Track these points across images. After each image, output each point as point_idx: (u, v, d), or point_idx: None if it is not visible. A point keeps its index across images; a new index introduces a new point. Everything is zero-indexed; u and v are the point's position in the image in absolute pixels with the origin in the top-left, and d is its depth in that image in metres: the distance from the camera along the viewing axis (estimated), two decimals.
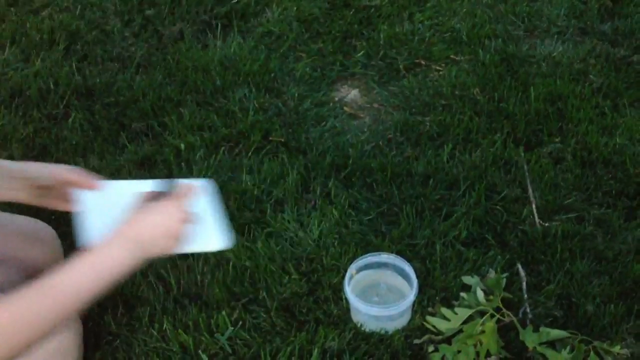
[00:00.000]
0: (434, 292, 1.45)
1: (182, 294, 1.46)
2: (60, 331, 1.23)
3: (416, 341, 1.36)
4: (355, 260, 1.44)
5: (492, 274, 1.43)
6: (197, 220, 1.05)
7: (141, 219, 1.03)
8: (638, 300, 1.43)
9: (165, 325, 1.38)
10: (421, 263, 1.50)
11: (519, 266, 1.49)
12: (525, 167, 1.73)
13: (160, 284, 1.47)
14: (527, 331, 1.31)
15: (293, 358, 1.32)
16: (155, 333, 1.37)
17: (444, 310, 1.36)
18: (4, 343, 0.93)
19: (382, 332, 1.38)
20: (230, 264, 1.49)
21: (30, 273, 1.35)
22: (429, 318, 1.37)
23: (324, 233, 1.57)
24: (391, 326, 1.39)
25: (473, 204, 1.64)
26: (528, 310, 1.40)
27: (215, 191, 1.13)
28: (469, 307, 1.35)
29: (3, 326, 0.92)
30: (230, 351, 1.35)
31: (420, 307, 1.42)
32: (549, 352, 1.28)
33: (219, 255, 1.50)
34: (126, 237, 1.01)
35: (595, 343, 1.30)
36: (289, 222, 1.60)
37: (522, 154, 1.77)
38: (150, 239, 1.02)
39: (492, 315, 1.34)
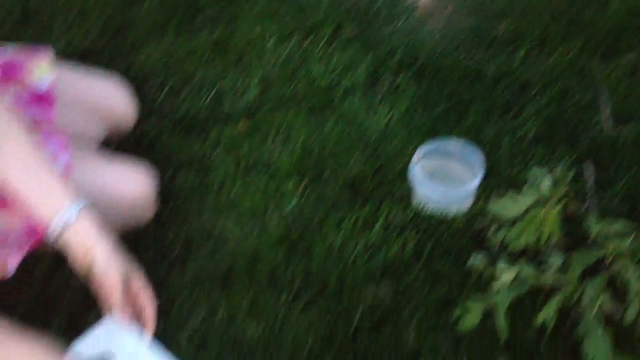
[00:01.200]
0: (498, 183, 1.47)
1: (251, 165, 1.51)
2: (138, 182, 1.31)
3: (477, 225, 1.40)
4: (423, 145, 1.48)
5: (559, 168, 1.45)
6: None
7: None
8: None
9: (234, 191, 1.45)
10: (487, 156, 1.52)
11: (587, 163, 1.50)
12: (600, 75, 1.73)
13: (231, 155, 1.53)
14: (590, 220, 1.33)
15: (357, 225, 1.37)
16: (224, 197, 1.44)
17: (508, 197, 1.39)
18: None
19: (444, 214, 1.42)
20: (299, 142, 1.54)
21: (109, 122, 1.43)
22: (492, 203, 1.40)
23: (391, 122, 1.60)
24: (453, 209, 1.43)
25: (544, 106, 1.65)
26: (593, 203, 1.42)
27: None
28: (533, 196, 1.38)
29: None
30: (298, 214, 1.40)
31: (484, 194, 1.45)
32: (611, 241, 1.30)
33: (287, 132, 1.56)
34: None
35: None
36: (357, 110, 1.64)
37: (598, 63, 1.76)
38: None
39: (556, 204, 1.36)
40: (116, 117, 1.43)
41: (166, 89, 1.68)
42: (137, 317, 1.13)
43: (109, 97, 1.41)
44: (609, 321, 1.21)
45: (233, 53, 1.81)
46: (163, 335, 1.16)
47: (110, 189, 1.27)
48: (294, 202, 1.43)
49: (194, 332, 1.21)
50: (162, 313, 1.16)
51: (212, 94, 1.67)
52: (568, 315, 1.24)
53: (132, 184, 1.31)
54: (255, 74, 1.72)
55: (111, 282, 1.09)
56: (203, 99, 1.65)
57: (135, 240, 1.31)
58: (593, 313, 1.21)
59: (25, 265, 1.24)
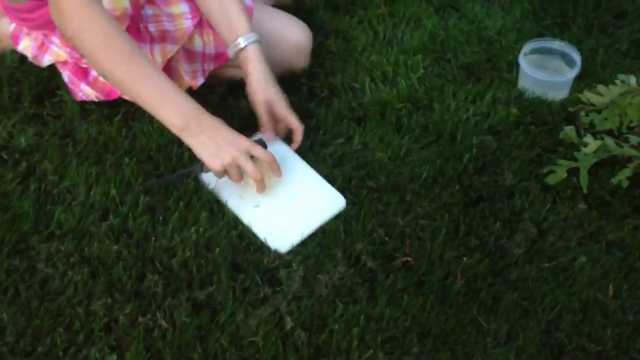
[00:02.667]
0: (591, 82, 1.73)
1: (387, 40, 1.81)
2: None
3: (571, 109, 1.66)
4: (531, 41, 1.74)
5: None
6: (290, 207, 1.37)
7: (219, 125, 1.30)
8: None
9: (372, 57, 1.74)
10: (584, 61, 1.77)
11: None
12: None
13: (371, 30, 1.83)
14: None
15: (469, 96, 1.66)
16: (364, 61, 1.74)
17: (600, 88, 1.65)
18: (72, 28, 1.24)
19: (544, 97, 1.68)
20: (427, 29, 1.83)
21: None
22: (585, 92, 1.66)
23: (506, 24, 1.87)
24: (551, 95, 1.69)
25: (637, 30, 1.89)
26: None
27: (336, 212, 1.39)
28: (621, 88, 1.63)
29: (86, 28, 1.23)
30: (422, 82, 1.69)
31: (578, 88, 1.71)
32: None
33: (418, 21, 1.85)
34: (195, 118, 1.28)
35: None
36: (477, 11, 1.90)
37: None
38: (203, 136, 1.28)
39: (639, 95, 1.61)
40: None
41: None
42: (285, 136, 1.46)
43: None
44: None
45: None
46: (308, 152, 1.48)
47: (279, 32, 1.58)
48: (419, 72, 1.71)
49: (333, 152, 1.52)
50: (309, 134, 1.48)
51: None
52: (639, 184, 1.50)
53: (295, 31, 1.62)
54: None
55: (257, 102, 1.42)
56: None
57: (290, 81, 1.62)
58: None
59: (209, 84, 1.57)
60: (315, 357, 1.21)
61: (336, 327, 1.25)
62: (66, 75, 1.53)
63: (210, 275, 1.30)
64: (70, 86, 1.53)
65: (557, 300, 1.31)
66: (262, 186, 1.36)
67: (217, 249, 1.32)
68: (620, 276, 1.35)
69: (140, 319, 1.23)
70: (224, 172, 1.33)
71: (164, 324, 1.23)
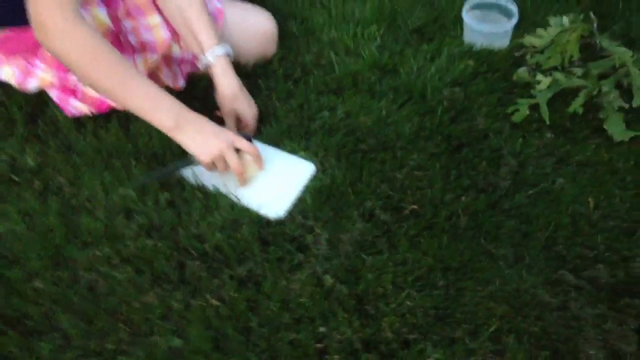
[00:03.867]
0: (527, 27, 1.91)
1: (341, 16, 1.93)
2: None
3: (516, 53, 1.84)
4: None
5: (571, 15, 1.89)
6: (271, 182, 1.48)
7: (205, 121, 1.39)
8: None
9: (331, 33, 1.86)
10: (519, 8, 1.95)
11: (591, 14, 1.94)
12: None
13: (325, 9, 1.94)
14: (602, 39, 1.79)
15: (428, 55, 1.80)
16: (325, 38, 1.86)
17: (539, 31, 1.83)
18: (66, 47, 1.28)
19: (490, 48, 1.85)
20: (374, 1, 1.96)
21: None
22: (526, 37, 1.84)
23: None
24: (497, 45, 1.86)
25: None
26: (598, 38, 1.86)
27: (309, 176, 1.50)
28: (557, 28, 1.82)
29: (74, 43, 1.27)
30: (382, 49, 1.83)
31: (517, 35, 1.88)
32: (617, 54, 1.75)
33: None
34: (184, 116, 1.36)
35: None
36: None
37: None
38: (192, 132, 1.36)
39: (574, 32, 1.80)
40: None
41: None
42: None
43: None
44: (621, 109, 1.67)
45: None
46: (299, 127, 1.59)
47: (248, 24, 1.67)
48: (377, 41, 1.85)
49: (322, 124, 1.63)
50: (295, 112, 1.60)
51: None
52: (592, 108, 1.69)
53: (263, 20, 1.72)
54: None
55: (225, 113, 1.54)
56: None
57: (264, 67, 1.73)
58: (609, 100, 1.67)
59: (192, 80, 1.65)
60: (358, 305, 1.33)
61: (369, 276, 1.37)
62: (54, 95, 1.57)
63: (243, 252, 1.39)
64: (61, 104, 1.57)
65: (549, 220, 1.48)
66: (243, 179, 1.47)
67: (244, 227, 1.41)
68: (595, 190, 1.54)
69: (192, 302, 1.31)
70: (212, 164, 1.43)
71: (214, 302, 1.32)
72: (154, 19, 1.53)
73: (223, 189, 1.47)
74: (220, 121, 1.51)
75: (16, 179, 1.47)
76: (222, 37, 1.55)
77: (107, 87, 1.35)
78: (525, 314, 1.35)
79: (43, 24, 1.28)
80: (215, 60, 1.51)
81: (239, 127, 1.57)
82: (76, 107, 1.56)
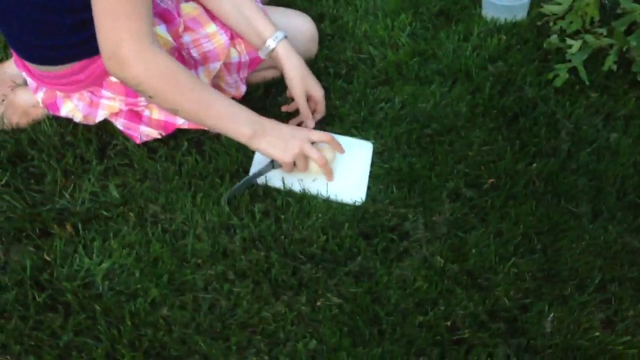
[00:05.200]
0: None
1: (369, 11, 1.97)
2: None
3: (539, 22, 1.92)
4: None
5: None
6: (341, 169, 1.51)
7: (277, 124, 1.43)
8: None
9: (364, 27, 1.90)
10: None
11: None
12: None
13: (350, 7, 1.98)
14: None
15: (460, 37, 1.87)
16: (359, 33, 1.89)
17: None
18: (149, 81, 1.29)
19: (512, 20, 1.93)
20: None
21: None
22: (545, 6, 1.93)
23: None
24: (519, 17, 1.94)
25: None
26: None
27: (371, 155, 1.57)
28: None
29: (154, 71, 1.29)
30: (413, 37, 1.88)
31: (533, 5, 1.97)
32: (634, 6, 1.84)
33: None
34: (259, 124, 1.40)
35: None
36: None
37: None
38: (269, 137, 1.41)
39: None
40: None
41: None
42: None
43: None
44: None
45: None
46: (363, 122, 1.64)
47: (292, 26, 1.70)
48: (408, 29, 1.90)
49: (385, 116, 1.67)
50: (356, 106, 1.64)
51: None
52: (624, 63, 1.79)
53: (303, 22, 1.75)
54: None
55: (297, 95, 1.56)
56: None
57: (311, 68, 1.75)
58: (639, 53, 1.77)
59: (248, 91, 1.67)
60: (470, 280, 1.39)
61: (473, 251, 1.43)
62: (120, 122, 1.56)
63: (350, 248, 1.43)
64: (128, 132, 1.57)
65: (615, 172, 1.57)
66: (329, 170, 1.50)
67: (346, 225, 1.45)
68: None
69: (317, 303, 1.34)
70: (293, 164, 1.46)
71: (337, 300, 1.35)
72: (212, 28, 1.55)
73: (298, 187, 1.50)
74: (285, 117, 1.55)
75: (107, 214, 1.46)
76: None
77: (187, 108, 1.36)
78: (620, 262, 1.43)
79: (119, 54, 1.27)
80: (278, 45, 1.54)
81: (310, 109, 1.59)
82: (145, 132, 1.56)
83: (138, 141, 1.58)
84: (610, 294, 1.39)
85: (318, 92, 1.59)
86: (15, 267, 1.36)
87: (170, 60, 1.33)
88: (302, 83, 1.57)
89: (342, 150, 1.53)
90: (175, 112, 1.40)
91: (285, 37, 1.57)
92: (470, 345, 1.31)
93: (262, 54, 1.58)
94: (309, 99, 1.59)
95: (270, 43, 1.56)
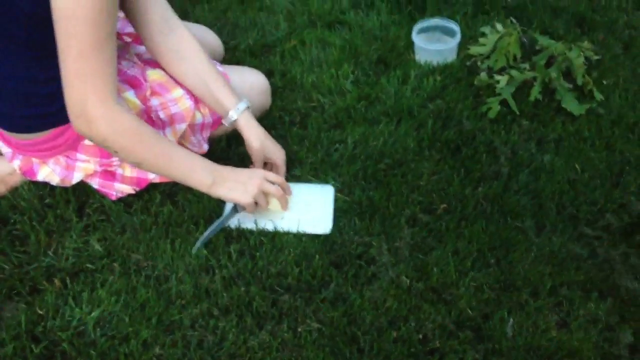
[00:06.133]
0: (466, 39, 2.19)
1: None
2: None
3: (467, 63, 2.11)
4: (417, 23, 2.15)
5: (499, 24, 2.19)
6: (307, 208, 1.63)
7: (234, 169, 1.55)
8: None
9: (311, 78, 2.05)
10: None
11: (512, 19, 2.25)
12: None
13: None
14: (537, 37, 2.09)
15: (399, 80, 2.03)
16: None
17: (481, 40, 2.11)
18: (115, 138, 1.38)
19: (442, 63, 2.11)
20: (335, 44, 2.17)
21: None
22: (471, 47, 2.12)
23: (383, 21, 2.27)
24: (449, 59, 2.12)
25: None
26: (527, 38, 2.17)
27: (333, 196, 1.68)
28: (496, 34, 2.11)
29: (118, 129, 1.37)
30: (362, 86, 2.04)
31: (461, 50, 2.15)
32: (551, 47, 2.05)
33: (321, 41, 2.18)
34: (217, 171, 1.51)
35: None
36: (358, 20, 2.29)
37: None
38: (228, 183, 1.52)
39: (511, 35, 2.09)
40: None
41: None
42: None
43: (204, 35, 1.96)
44: (570, 89, 1.97)
45: None
46: (321, 163, 1.76)
47: (247, 83, 1.83)
48: (351, 77, 2.06)
49: (340, 157, 1.80)
50: (313, 149, 1.77)
51: None
52: (547, 93, 1.98)
53: (257, 78, 1.88)
54: None
55: (256, 161, 1.69)
56: None
57: (266, 120, 1.88)
58: (560, 83, 1.97)
59: (211, 144, 1.78)
60: (435, 296, 1.51)
61: (435, 269, 1.55)
62: (96, 182, 1.65)
63: (323, 277, 1.54)
64: (103, 190, 1.65)
65: (552, 190, 1.73)
66: (285, 201, 1.63)
67: (317, 256, 1.56)
68: (576, 157, 1.81)
69: (299, 329, 1.44)
70: (255, 204, 1.57)
71: (316, 325, 1.45)
72: (178, 92, 1.66)
73: (271, 225, 1.61)
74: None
75: (92, 266, 1.53)
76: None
77: (150, 161, 1.46)
78: (567, 268, 1.57)
79: (87, 114, 1.35)
80: (240, 116, 1.66)
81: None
82: (119, 189, 1.64)
83: (114, 198, 1.66)
84: (562, 297, 1.53)
85: (278, 157, 1.70)
86: (10, 322, 1.41)
87: (134, 118, 1.42)
88: (260, 152, 1.68)
89: (290, 192, 1.66)
90: (139, 165, 1.49)
91: (248, 107, 1.68)
92: (442, 354, 1.42)
93: (225, 122, 1.69)
94: (267, 162, 1.71)
95: (233, 115, 1.66)
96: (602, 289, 1.55)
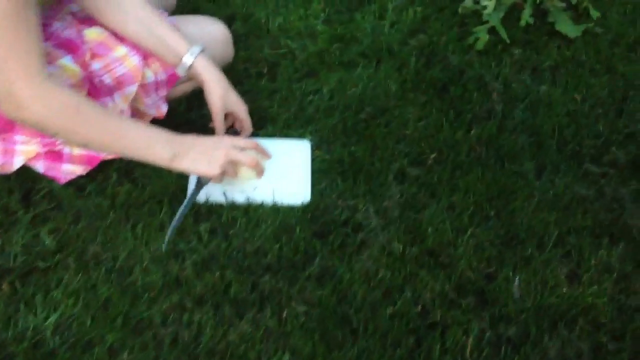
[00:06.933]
0: None
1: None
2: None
3: None
4: None
5: None
6: (282, 172, 1.43)
7: (198, 138, 1.33)
8: None
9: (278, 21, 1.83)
10: None
11: None
12: None
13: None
14: None
15: (376, 15, 1.81)
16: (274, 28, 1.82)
17: None
18: (52, 119, 1.21)
19: None
20: None
21: None
22: None
23: None
24: None
25: None
26: None
27: (310, 153, 1.49)
28: None
29: (53, 108, 1.20)
30: (335, 26, 1.82)
31: None
32: None
33: None
34: (178, 143, 1.31)
35: None
36: None
37: None
38: (191, 154, 1.31)
39: None
40: None
41: None
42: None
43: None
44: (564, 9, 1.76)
45: None
46: (295, 117, 1.57)
47: (206, 33, 1.61)
48: (322, 16, 1.84)
49: (317, 107, 1.61)
50: (284, 103, 1.57)
51: None
52: (540, 15, 1.77)
53: (219, 28, 1.65)
54: None
55: (216, 111, 1.46)
56: None
57: (231, 71, 1.67)
58: (553, 3, 1.75)
59: (170, 108, 1.58)
60: (432, 260, 1.35)
61: (429, 230, 1.38)
62: (41, 165, 1.45)
63: (306, 251, 1.36)
64: (50, 173, 1.46)
65: (552, 124, 1.55)
66: (260, 169, 1.43)
67: (297, 227, 1.38)
68: (575, 85, 1.62)
69: (283, 315, 1.27)
70: (222, 174, 1.38)
71: (302, 307, 1.29)
72: (121, 50, 1.44)
73: (241, 197, 1.42)
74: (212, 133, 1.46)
75: (44, 265, 1.35)
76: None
77: (98, 140, 1.27)
78: (573, 213, 1.41)
79: (13, 95, 1.17)
80: (196, 60, 1.45)
81: (234, 126, 1.51)
82: (68, 171, 1.45)
83: (63, 181, 1.46)
84: (570, 247, 1.37)
85: (241, 108, 1.50)
86: None
87: (70, 93, 1.23)
88: (222, 99, 1.47)
89: (268, 156, 1.45)
90: (85, 146, 1.30)
91: (203, 50, 1.47)
92: (445, 326, 1.26)
93: (179, 72, 1.48)
94: (229, 116, 1.51)
95: (187, 59, 1.45)
96: (613, 232, 1.39)
